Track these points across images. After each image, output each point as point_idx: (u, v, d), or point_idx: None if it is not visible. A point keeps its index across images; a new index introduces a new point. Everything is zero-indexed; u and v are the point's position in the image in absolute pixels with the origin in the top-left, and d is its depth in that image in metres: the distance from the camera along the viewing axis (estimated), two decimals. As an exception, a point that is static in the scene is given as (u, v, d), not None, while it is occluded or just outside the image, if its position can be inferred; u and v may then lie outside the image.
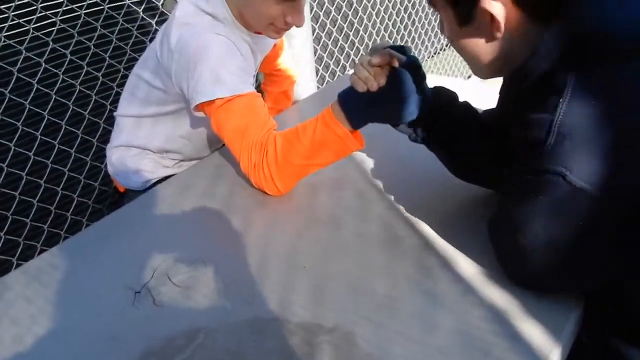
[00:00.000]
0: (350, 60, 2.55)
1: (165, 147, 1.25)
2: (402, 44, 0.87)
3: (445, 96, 0.88)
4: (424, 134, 0.90)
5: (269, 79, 1.49)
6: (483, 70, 0.75)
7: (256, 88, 1.03)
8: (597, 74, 0.60)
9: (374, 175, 1.04)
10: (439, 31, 0.76)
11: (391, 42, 2.15)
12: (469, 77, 3.47)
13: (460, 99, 0.89)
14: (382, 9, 2.62)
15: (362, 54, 2.58)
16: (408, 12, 2.81)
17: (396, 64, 0.84)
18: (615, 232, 0.61)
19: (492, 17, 0.65)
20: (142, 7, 1.65)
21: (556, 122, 0.60)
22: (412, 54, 0.86)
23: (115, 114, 1.28)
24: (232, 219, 0.94)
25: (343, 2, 2.37)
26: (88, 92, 1.62)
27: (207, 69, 0.96)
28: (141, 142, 1.24)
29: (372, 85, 0.83)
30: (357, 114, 0.88)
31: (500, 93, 0.76)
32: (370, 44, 2.62)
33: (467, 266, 0.79)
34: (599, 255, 0.64)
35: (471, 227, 0.85)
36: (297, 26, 1.02)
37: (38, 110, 1.51)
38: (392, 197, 0.96)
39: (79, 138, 1.63)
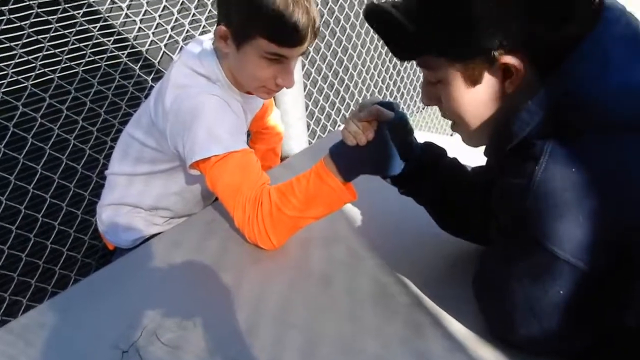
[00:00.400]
0: (341, 115, 2.62)
1: (157, 205, 1.25)
2: (390, 100, 0.91)
3: (434, 152, 0.91)
4: (413, 189, 0.92)
5: (256, 137, 1.51)
6: (475, 134, 0.74)
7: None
8: (576, 143, 0.60)
9: (365, 231, 1.04)
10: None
11: (380, 97, 2.21)
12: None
13: (450, 155, 0.91)
14: (371, 66, 2.71)
15: (352, 110, 2.65)
16: (397, 68, 2.91)
17: (384, 119, 0.87)
18: (596, 296, 0.61)
19: (504, 73, 0.65)
20: (139, 65, 1.70)
21: (532, 189, 0.60)
22: (400, 109, 0.90)
23: (106, 172, 1.29)
24: (223, 276, 0.93)
25: (334, 60, 2.45)
26: (82, 146, 1.64)
27: (202, 128, 0.99)
28: (133, 200, 1.25)
29: (361, 139, 0.86)
30: (348, 167, 0.90)
31: (485, 154, 0.78)
32: (360, 99, 2.70)
33: (458, 324, 0.79)
34: (583, 320, 0.63)
35: (462, 284, 0.85)
36: (287, 87, 1.06)
37: (31, 164, 1.52)
38: (383, 253, 0.97)
39: (71, 191, 1.64)
